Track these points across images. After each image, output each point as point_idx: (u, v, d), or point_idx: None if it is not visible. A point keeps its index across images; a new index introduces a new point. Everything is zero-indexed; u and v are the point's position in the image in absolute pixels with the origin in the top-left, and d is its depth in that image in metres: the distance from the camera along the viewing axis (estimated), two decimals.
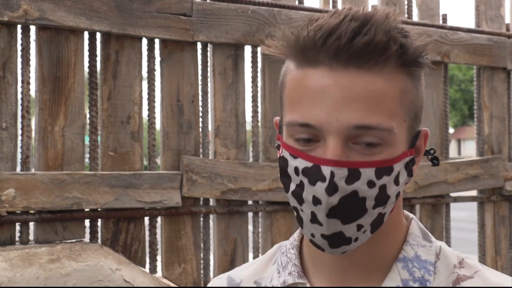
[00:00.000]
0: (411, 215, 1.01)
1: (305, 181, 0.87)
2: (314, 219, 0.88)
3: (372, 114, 0.85)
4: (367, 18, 0.87)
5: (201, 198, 2.60)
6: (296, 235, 1.04)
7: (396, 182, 0.89)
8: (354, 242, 0.89)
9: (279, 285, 0.99)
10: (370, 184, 0.86)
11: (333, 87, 0.85)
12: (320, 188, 0.86)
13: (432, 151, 1.01)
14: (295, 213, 0.92)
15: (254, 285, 1.04)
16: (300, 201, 0.89)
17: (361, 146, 0.86)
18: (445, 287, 0.93)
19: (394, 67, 0.87)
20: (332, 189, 0.85)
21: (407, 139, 0.91)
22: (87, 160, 2.44)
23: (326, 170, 0.85)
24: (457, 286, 0.94)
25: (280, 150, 0.93)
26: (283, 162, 0.91)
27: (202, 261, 2.61)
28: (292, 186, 0.90)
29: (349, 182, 0.85)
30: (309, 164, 0.87)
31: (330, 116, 0.85)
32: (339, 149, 0.85)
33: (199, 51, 2.62)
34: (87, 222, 2.38)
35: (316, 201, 0.86)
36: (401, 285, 0.93)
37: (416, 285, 0.93)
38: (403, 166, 0.90)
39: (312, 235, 0.90)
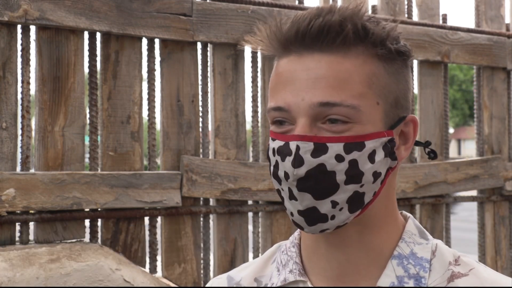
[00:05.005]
0: (408, 214, 1.02)
1: (278, 159, 0.92)
2: (291, 195, 0.92)
3: (336, 92, 0.89)
4: (332, 7, 0.92)
5: (201, 198, 2.60)
6: (296, 233, 1.05)
7: (371, 159, 0.91)
8: (332, 220, 0.91)
9: (279, 283, 1.00)
10: (339, 158, 0.89)
11: (300, 71, 0.91)
12: (288, 162, 0.90)
13: (427, 143, 1.02)
14: (280, 196, 0.96)
15: (255, 283, 1.04)
16: (279, 180, 0.93)
17: (329, 124, 0.90)
18: (438, 286, 0.94)
19: (360, 50, 0.91)
20: (297, 161, 0.89)
21: (384, 121, 0.93)
22: (87, 160, 2.44)
23: (292, 145, 0.90)
24: (451, 283, 0.94)
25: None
26: (268, 149, 0.97)
27: (202, 261, 2.61)
28: (271, 169, 0.95)
29: (315, 156, 0.89)
30: (282, 143, 0.92)
31: (297, 97, 0.91)
32: (306, 127, 0.90)
33: (199, 51, 2.62)
34: (87, 222, 2.38)
35: (286, 176, 0.91)
36: (396, 282, 0.93)
37: (411, 281, 0.93)
38: (379, 145, 0.92)
39: (292, 213, 0.93)
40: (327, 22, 0.90)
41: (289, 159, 0.90)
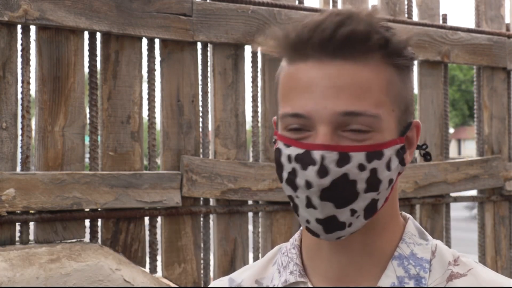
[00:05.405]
0: (408, 215, 1.03)
1: (297, 167, 0.90)
2: (309, 203, 0.91)
3: (359, 101, 0.89)
4: (351, 13, 0.91)
5: (201, 198, 2.60)
6: (297, 235, 1.05)
7: (388, 167, 0.92)
8: (348, 228, 0.91)
9: (280, 284, 1.00)
10: (361, 167, 0.89)
11: (321, 78, 0.90)
12: (311, 172, 0.89)
13: (424, 146, 1.03)
14: (291, 203, 0.95)
15: (255, 285, 1.05)
16: (294, 187, 0.92)
17: (350, 133, 0.89)
18: (438, 286, 0.94)
19: (379, 58, 0.91)
20: (323, 171, 0.88)
21: (397, 128, 0.94)
22: (87, 160, 2.44)
23: (316, 154, 0.89)
24: (450, 283, 0.94)
25: (276, 143, 0.97)
26: (277, 153, 0.95)
27: (202, 261, 2.61)
28: (285, 175, 0.93)
29: (340, 165, 0.89)
30: (301, 151, 0.90)
31: (318, 105, 0.89)
32: (329, 136, 0.89)
33: (199, 51, 2.62)
34: (87, 222, 2.38)
35: (308, 185, 0.89)
36: (396, 282, 0.94)
37: (412, 282, 0.94)
38: (394, 153, 0.93)
39: (307, 221, 0.92)
40: (354, 31, 0.88)
41: (313, 169, 0.88)
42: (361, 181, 0.89)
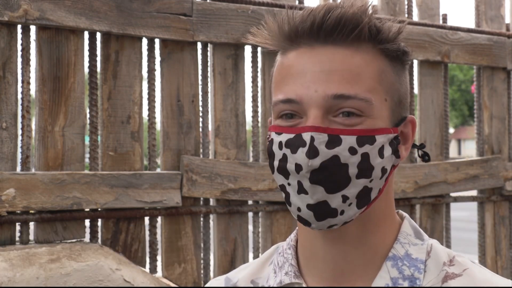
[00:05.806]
0: (404, 213, 1.02)
1: (288, 152, 0.90)
2: (300, 188, 0.90)
3: (350, 85, 0.89)
4: (342, 2, 0.92)
5: (201, 198, 2.60)
6: (292, 235, 1.04)
7: (381, 154, 0.91)
8: (340, 216, 0.91)
9: (275, 285, 0.99)
10: (352, 150, 0.89)
11: (312, 64, 0.91)
12: (301, 153, 0.89)
13: (421, 146, 1.03)
14: (283, 194, 0.94)
15: (251, 285, 1.04)
16: (286, 174, 0.91)
17: (341, 118, 0.90)
18: (432, 287, 0.93)
19: (370, 46, 0.92)
20: (312, 152, 0.88)
21: (390, 118, 0.94)
22: (87, 160, 2.44)
23: (306, 136, 0.89)
24: (445, 284, 0.94)
25: (269, 137, 0.96)
26: (270, 143, 0.95)
27: (202, 261, 2.61)
28: (276, 163, 0.93)
29: (330, 147, 0.88)
30: (292, 135, 0.90)
31: (309, 89, 0.90)
32: (319, 119, 0.89)
33: (199, 51, 2.62)
34: (87, 222, 2.38)
35: (298, 168, 0.89)
36: (390, 284, 0.93)
37: (406, 283, 0.93)
38: (387, 141, 0.93)
39: (299, 209, 0.91)
40: (343, 15, 0.90)
41: (303, 150, 0.88)
42: (353, 165, 0.89)
